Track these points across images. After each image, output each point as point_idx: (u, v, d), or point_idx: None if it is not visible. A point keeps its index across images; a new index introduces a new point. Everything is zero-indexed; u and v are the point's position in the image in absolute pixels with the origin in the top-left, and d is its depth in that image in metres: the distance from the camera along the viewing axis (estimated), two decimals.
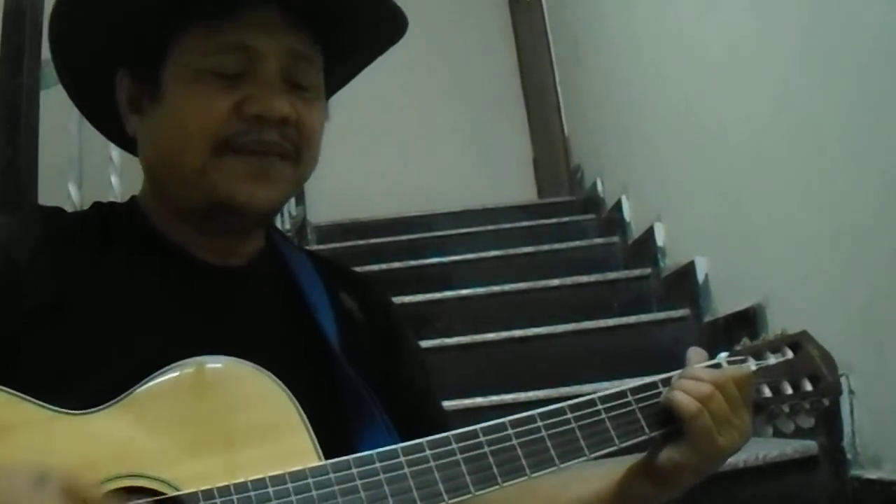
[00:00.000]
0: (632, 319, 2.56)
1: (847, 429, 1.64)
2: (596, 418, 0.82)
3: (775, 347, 0.91)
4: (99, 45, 0.90)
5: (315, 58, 0.90)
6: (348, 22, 0.90)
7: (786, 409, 0.89)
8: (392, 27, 0.92)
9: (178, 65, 0.86)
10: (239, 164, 0.85)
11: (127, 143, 0.96)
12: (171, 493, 0.72)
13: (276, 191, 0.87)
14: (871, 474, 1.58)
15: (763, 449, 1.76)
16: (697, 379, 0.84)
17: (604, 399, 0.84)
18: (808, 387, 0.89)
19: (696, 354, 0.90)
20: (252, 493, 0.71)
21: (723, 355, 0.90)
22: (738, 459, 1.68)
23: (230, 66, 0.85)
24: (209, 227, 0.89)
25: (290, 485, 0.72)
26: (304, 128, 0.88)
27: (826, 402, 0.90)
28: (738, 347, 0.92)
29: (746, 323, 2.06)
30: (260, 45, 0.85)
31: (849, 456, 1.64)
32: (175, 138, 0.86)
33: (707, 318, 2.37)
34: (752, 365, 0.89)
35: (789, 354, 0.91)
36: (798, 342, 0.91)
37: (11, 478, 0.62)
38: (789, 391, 0.89)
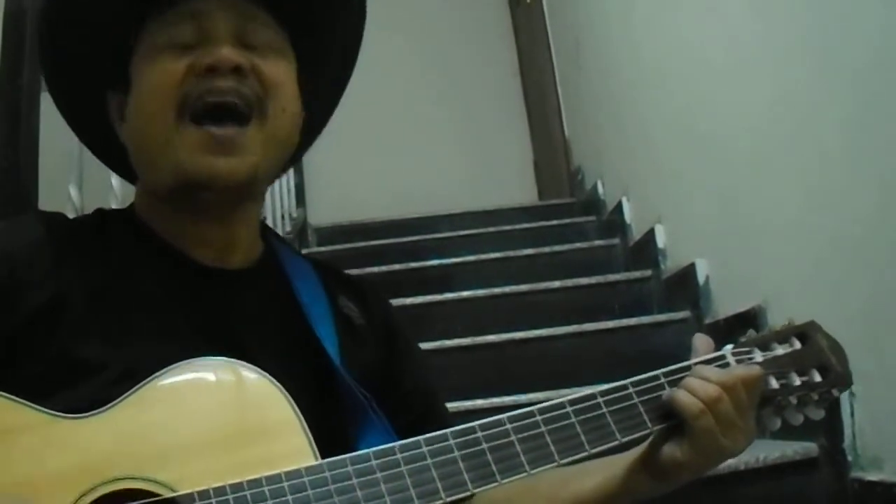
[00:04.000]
0: (632, 321, 2.55)
1: (847, 430, 1.63)
2: (596, 412, 0.81)
3: (783, 338, 0.88)
4: (83, 67, 0.93)
5: (267, 20, 0.91)
6: None
7: (793, 400, 0.86)
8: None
9: (141, 50, 0.89)
10: (198, 136, 0.84)
11: (128, 173, 0.97)
12: (168, 494, 0.72)
13: (242, 160, 0.85)
14: (872, 476, 1.58)
15: (763, 450, 1.75)
16: (705, 379, 0.82)
17: (604, 393, 0.82)
18: (818, 378, 0.86)
19: (702, 343, 0.88)
20: (248, 493, 0.71)
21: (728, 347, 0.88)
22: (738, 461, 1.67)
23: (182, 35, 0.87)
24: (193, 210, 0.89)
25: (285, 484, 0.71)
26: (265, 77, 0.87)
27: (836, 393, 0.86)
28: (743, 339, 0.89)
29: (747, 324, 2.04)
30: (207, 9, 0.87)
31: (849, 458, 1.63)
32: (142, 113, 0.88)
33: (708, 320, 2.36)
34: (758, 356, 0.86)
35: (797, 345, 0.88)
36: (806, 333, 0.89)
37: None
38: (797, 382, 0.86)
